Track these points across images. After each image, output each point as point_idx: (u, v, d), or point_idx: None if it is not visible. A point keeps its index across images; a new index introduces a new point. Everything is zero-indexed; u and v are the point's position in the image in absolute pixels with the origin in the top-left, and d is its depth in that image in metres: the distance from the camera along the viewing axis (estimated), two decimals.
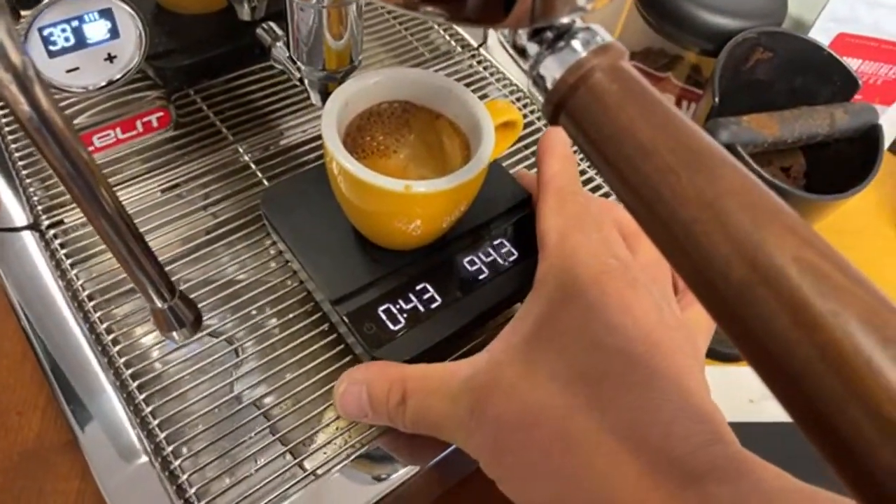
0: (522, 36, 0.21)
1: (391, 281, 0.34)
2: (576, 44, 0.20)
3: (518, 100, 0.48)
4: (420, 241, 0.35)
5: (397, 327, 0.33)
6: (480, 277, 0.35)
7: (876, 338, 0.17)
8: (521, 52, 0.21)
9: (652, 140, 0.19)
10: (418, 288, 0.34)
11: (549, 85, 0.21)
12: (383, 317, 0.33)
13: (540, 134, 0.46)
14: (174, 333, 0.27)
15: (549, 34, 0.21)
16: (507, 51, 0.22)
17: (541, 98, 0.21)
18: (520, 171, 0.40)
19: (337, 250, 0.35)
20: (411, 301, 0.34)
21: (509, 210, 0.38)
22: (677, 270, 0.20)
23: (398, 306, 0.33)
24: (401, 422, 0.30)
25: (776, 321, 0.18)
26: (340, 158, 0.30)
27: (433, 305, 0.34)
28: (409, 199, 0.30)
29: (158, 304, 0.26)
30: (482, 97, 0.48)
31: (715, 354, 0.54)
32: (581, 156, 0.44)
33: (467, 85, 0.48)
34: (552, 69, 0.20)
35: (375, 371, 0.31)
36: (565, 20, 0.21)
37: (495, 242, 0.37)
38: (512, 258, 0.36)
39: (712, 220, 0.19)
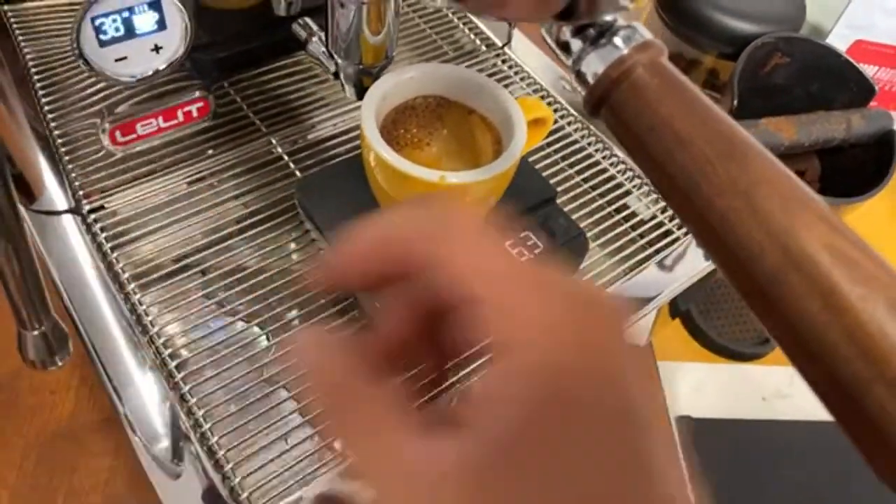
0: (566, 32, 0.22)
1: None
2: (618, 40, 0.21)
3: (542, 98, 0.49)
4: None
5: None
6: None
7: None
8: (564, 47, 0.23)
9: (690, 132, 0.20)
10: None
11: (591, 80, 0.22)
12: None
13: (563, 133, 0.47)
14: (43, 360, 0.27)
15: (592, 31, 0.22)
16: (549, 45, 0.23)
17: (582, 91, 0.22)
18: None
19: None
20: None
21: (536, 205, 0.39)
22: (712, 256, 0.21)
23: None
24: None
25: (807, 304, 0.19)
26: (378, 148, 0.31)
27: None
28: (443, 189, 0.31)
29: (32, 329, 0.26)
30: None
31: (730, 353, 0.55)
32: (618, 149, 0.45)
33: None
34: (595, 65, 0.22)
35: None
36: (608, 18, 0.22)
37: (521, 235, 0.38)
38: (538, 251, 0.37)
39: (746, 208, 0.20)
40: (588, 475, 0.15)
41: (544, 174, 0.45)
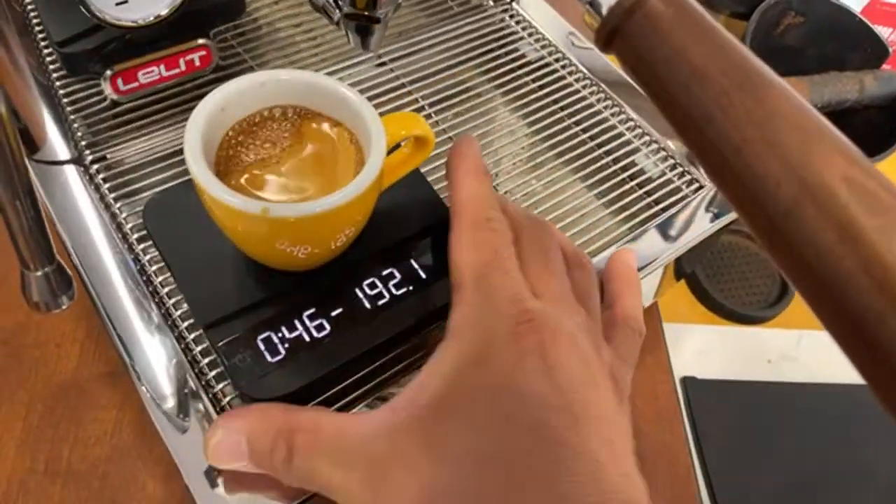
0: None
1: (277, 305, 0.31)
2: None
3: (550, 54, 0.48)
4: (310, 263, 0.31)
5: (275, 359, 0.29)
6: (380, 303, 0.31)
7: None
8: None
9: (705, 63, 0.20)
10: (306, 314, 0.31)
11: (604, 10, 0.21)
12: (261, 346, 0.30)
13: (570, 90, 0.47)
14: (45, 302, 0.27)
15: None
16: None
17: (595, 24, 0.22)
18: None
19: (220, 270, 0.31)
20: (296, 329, 0.30)
21: (424, 228, 0.34)
22: (724, 192, 0.21)
23: (280, 334, 0.30)
24: (286, 478, 0.27)
25: (822, 237, 0.18)
26: (195, 170, 0.27)
27: (321, 334, 0.30)
28: (269, 223, 0.27)
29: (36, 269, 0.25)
30: (513, 52, 0.48)
31: (736, 317, 0.55)
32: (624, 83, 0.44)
33: (498, 41, 0.49)
34: None
35: (257, 418, 0.27)
36: None
37: (402, 264, 0.33)
38: (419, 283, 0.32)
39: (762, 141, 0.19)
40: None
41: (550, 132, 0.44)
